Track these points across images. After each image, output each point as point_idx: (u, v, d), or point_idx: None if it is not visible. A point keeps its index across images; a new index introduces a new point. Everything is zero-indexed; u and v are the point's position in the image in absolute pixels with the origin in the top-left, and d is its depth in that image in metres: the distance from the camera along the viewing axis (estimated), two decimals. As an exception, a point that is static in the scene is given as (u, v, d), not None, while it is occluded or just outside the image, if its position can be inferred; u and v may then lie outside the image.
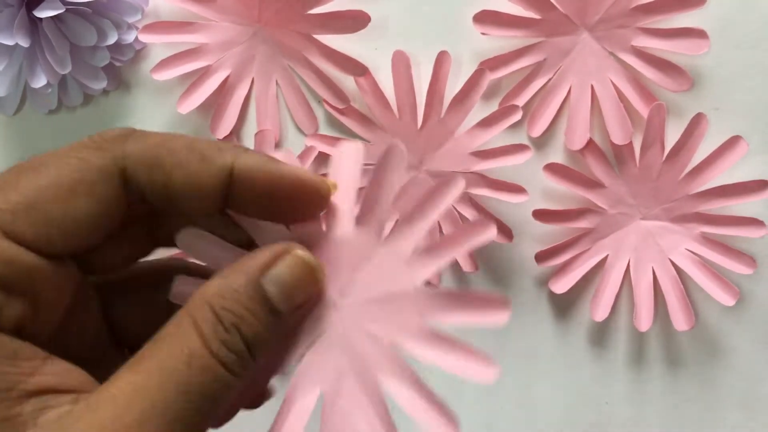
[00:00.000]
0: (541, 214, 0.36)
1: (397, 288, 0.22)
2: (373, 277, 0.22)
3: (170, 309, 0.23)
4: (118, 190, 0.20)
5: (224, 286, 0.20)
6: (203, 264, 0.23)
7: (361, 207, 0.22)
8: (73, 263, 0.21)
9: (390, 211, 0.22)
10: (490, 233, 0.21)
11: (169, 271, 0.24)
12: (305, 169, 0.22)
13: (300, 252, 0.21)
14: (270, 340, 0.21)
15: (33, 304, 0.20)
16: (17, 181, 0.19)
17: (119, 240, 0.22)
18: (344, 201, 0.23)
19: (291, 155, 0.23)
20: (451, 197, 0.21)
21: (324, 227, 0.23)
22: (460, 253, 0.21)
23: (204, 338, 0.19)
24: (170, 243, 0.23)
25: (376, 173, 0.22)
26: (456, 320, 0.21)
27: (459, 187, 0.21)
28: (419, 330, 0.21)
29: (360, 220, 0.22)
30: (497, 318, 0.20)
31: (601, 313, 0.36)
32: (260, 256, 0.21)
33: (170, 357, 0.19)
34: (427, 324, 0.21)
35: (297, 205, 0.22)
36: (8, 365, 0.19)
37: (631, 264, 0.37)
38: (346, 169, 0.23)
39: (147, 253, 0.24)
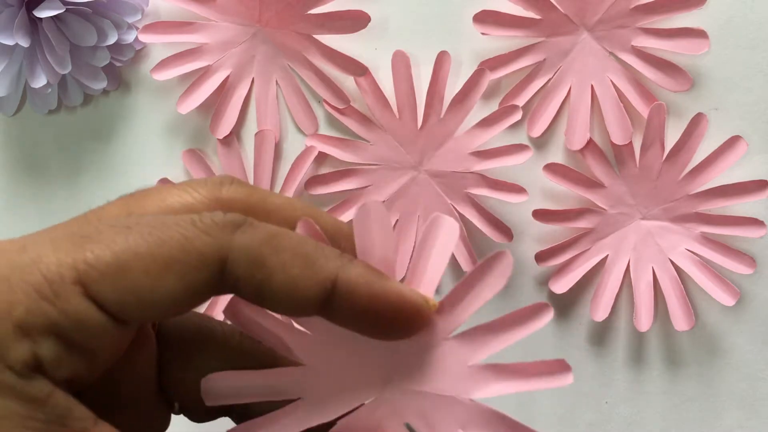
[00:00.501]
0: (541, 214, 0.36)
1: (451, 392, 0.20)
2: (429, 371, 0.21)
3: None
4: (212, 279, 0.19)
5: None
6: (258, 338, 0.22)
7: (446, 296, 0.21)
8: (135, 326, 0.20)
9: (467, 319, 0.21)
10: (547, 317, 0.20)
11: (241, 345, 0.23)
12: (408, 288, 0.21)
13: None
14: None
15: (90, 362, 0.19)
16: (112, 237, 0.18)
17: None
18: (429, 282, 0.21)
19: (382, 212, 0.21)
20: (537, 325, 0.20)
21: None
22: (526, 386, 0.20)
23: None
24: None
25: (477, 272, 0.21)
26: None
27: (547, 319, 0.20)
28: (477, 372, 0.20)
29: (439, 309, 0.21)
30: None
31: (601, 314, 0.36)
32: None
33: None
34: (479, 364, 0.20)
35: (395, 324, 0.21)
36: (58, 424, 0.18)
37: (631, 264, 0.37)
38: (440, 247, 0.21)
39: None
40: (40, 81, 0.36)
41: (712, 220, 0.36)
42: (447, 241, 0.21)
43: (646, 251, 0.37)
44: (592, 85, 0.36)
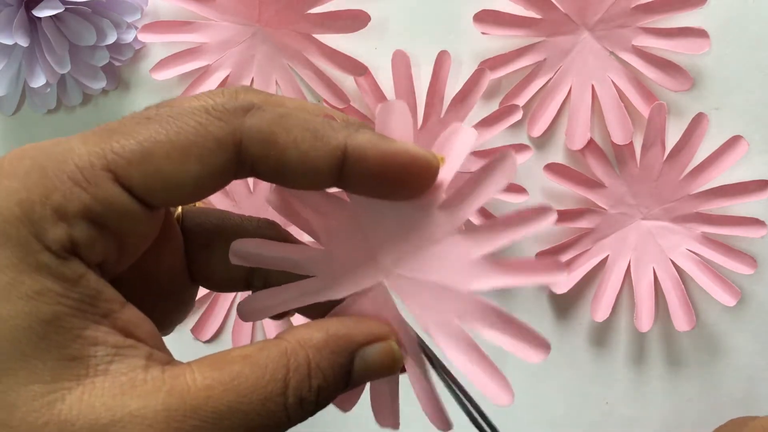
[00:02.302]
0: (541, 214, 0.36)
1: (451, 283, 0.22)
2: (433, 262, 0.22)
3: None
4: (229, 162, 0.21)
5: (326, 345, 0.21)
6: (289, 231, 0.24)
7: (453, 193, 0.22)
8: (162, 212, 0.22)
9: (475, 211, 0.22)
10: (552, 218, 0.20)
11: (263, 232, 0.25)
12: (414, 145, 0.22)
13: (394, 345, 0.22)
14: (328, 401, 0.22)
15: (124, 245, 0.20)
16: (134, 128, 0.20)
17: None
18: (442, 178, 0.22)
19: (405, 110, 0.23)
20: (540, 225, 0.21)
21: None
22: (529, 282, 0.21)
23: (287, 386, 0.20)
24: None
25: (482, 171, 0.22)
26: (491, 338, 0.21)
27: (551, 219, 0.21)
28: (452, 331, 0.21)
29: (445, 203, 0.22)
30: (533, 356, 0.20)
31: (602, 314, 0.36)
32: (363, 329, 0.22)
33: (249, 385, 0.20)
34: (462, 328, 0.21)
35: (407, 181, 0.22)
36: (88, 304, 0.19)
37: (631, 264, 0.37)
38: (456, 150, 0.22)
39: None
40: (39, 80, 0.36)
41: (712, 220, 0.36)
42: (464, 143, 0.22)
43: (646, 251, 0.36)
44: (592, 85, 0.36)
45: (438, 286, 0.22)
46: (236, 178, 0.22)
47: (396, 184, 0.22)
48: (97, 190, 0.19)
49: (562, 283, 0.37)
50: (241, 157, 0.21)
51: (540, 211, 0.21)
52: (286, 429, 0.20)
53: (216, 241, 0.25)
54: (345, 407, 0.25)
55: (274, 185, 0.23)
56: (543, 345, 0.20)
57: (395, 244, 0.22)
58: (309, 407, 0.21)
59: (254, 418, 0.20)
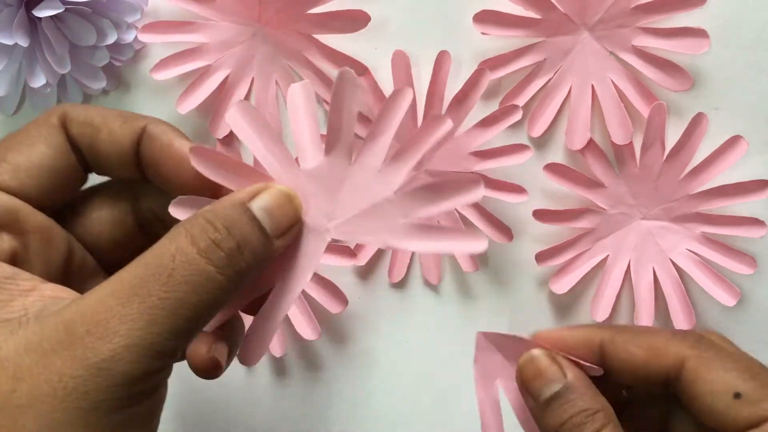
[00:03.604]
0: (541, 214, 0.36)
1: (376, 198, 0.24)
2: (353, 195, 0.24)
3: (138, 225, 0.28)
4: (64, 140, 0.25)
5: (215, 206, 0.23)
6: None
7: (327, 136, 0.25)
8: (51, 215, 0.26)
9: (353, 134, 0.25)
10: (447, 126, 0.23)
11: (120, 194, 0.28)
12: (198, 146, 0.25)
13: (279, 185, 0.24)
14: (261, 252, 0.23)
15: (21, 240, 0.24)
16: None
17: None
18: (307, 135, 0.25)
19: (310, 90, 0.25)
20: (402, 112, 0.24)
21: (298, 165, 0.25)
22: (424, 150, 0.24)
23: (192, 238, 0.22)
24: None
25: (333, 101, 0.24)
26: (435, 211, 0.23)
27: (408, 98, 0.24)
28: (405, 228, 0.24)
29: (328, 148, 0.25)
30: (476, 246, 0.23)
31: (602, 314, 0.36)
32: (244, 190, 0.24)
33: (156, 255, 0.21)
34: (412, 221, 0.24)
35: (185, 176, 0.25)
36: (9, 283, 0.22)
37: (631, 264, 0.37)
38: (301, 106, 0.25)
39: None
40: (39, 80, 0.36)
41: (712, 220, 0.36)
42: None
43: (646, 251, 0.37)
44: (592, 85, 0.36)
45: (371, 208, 0.24)
46: (86, 169, 0.26)
47: (173, 174, 0.25)
48: None
49: (563, 284, 0.36)
50: (69, 139, 0.26)
51: (469, 183, 0.23)
52: (224, 280, 0.22)
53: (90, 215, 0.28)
54: (249, 361, 0.25)
55: (177, 198, 0.25)
56: (480, 236, 0.23)
57: (318, 208, 0.25)
58: (228, 244, 0.22)
59: (173, 275, 0.21)
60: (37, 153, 0.25)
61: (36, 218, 0.25)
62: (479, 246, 0.23)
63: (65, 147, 0.25)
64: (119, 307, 0.20)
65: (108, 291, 0.21)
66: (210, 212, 0.22)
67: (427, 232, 0.23)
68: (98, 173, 0.27)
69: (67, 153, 0.26)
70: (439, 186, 0.23)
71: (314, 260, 0.25)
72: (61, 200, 0.26)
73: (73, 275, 0.26)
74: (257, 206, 0.23)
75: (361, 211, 0.24)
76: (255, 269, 0.23)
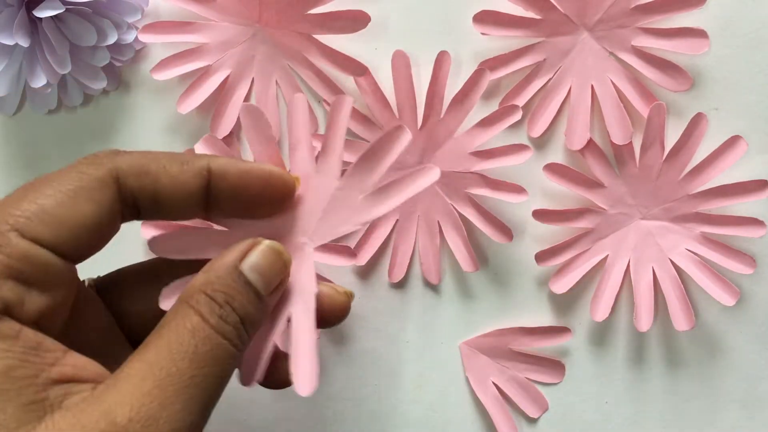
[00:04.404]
0: (541, 214, 0.36)
1: (329, 195, 0.26)
2: (334, 219, 0.26)
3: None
4: (113, 196, 0.23)
5: (210, 275, 0.24)
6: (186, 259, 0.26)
7: (319, 156, 0.26)
8: (74, 266, 0.24)
9: (341, 157, 0.26)
10: (434, 175, 0.25)
11: (158, 268, 0.28)
12: (270, 165, 0.26)
13: (268, 242, 0.25)
14: (259, 318, 0.24)
15: (50, 300, 0.22)
16: (25, 194, 0.22)
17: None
18: (303, 151, 0.27)
19: (263, 117, 0.27)
20: (400, 146, 0.25)
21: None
22: (408, 195, 0.25)
23: (202, 315, 0.23)
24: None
25: (328, 124, 0.26)
26: (393, 204, 0.25)
27: (407, 137, 0.25)
28: (368, 201, 0.26)
29: (319, 168, 0.26)
30: (429, 178, 0.25)
31: (601, 314, 0.36)
32: (235, 249, 0.24)
33: (175, 334, 0.22)
34: (369, 192, 0.26)
35: (267, 197, 0.26)
36: (33, 355, 0.21)
37: (631, 264, 0.37)
38: (299, 121, 0.27)
39: None
40: (39, 81, 0.36)
41: (712, 220, 0.36)
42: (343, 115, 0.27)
43: (646, 251, 0.37)
44: (592, 85, 0.36)
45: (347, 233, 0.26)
46: (124, 219, 0.24)
47: (257, 199, 0.25)
48: (10, 249, 0.21)
49: (562, 284, 0.36)
50: (123, 191, 0.24)
51: (424, 172, 0.25)
52: (234, 350, 0.23)
53: (133, 290, 0.28)
54: (248, 381, 0.27)
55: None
56: (432, 168, 0.25)
57: (302, 227, 0.26)
58: (232, 318, 0.23)
59: (197, 351, 0.22)
60: (81, 209, 0.23)
61: (70, 277, 0.23)
62: (434, 175, 0.25)
63: (113, 204, 0.23)
64: (156, 391, 0.21)
65: (140, 375, 0.21)
66: (208, 285, 0.23)
67: (387, 190, 0.25)
68: (151, 219, 0.25)
69: (115, 210, 0.24)
70: (393, 185, 0.25)
71: (309, 273, 0.26)
72: (91, 254, 0.24)
73: (95, 341, 0.26)
74: (249, 268, 0.24)
75: (323, 212, 0.26)
76: (255, 333, 0.25)
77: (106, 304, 0.27)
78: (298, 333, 0.25)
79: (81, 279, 0.26)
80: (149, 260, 0.28)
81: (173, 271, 0.26)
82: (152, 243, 0.25)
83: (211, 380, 0.22)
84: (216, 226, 0.27)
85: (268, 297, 0.24)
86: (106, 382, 0.21)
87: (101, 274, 0.28)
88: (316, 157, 0.27)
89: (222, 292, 0.23)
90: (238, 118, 0.38)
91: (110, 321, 0.27)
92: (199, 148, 0.28)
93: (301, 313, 0.25)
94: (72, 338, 0.23)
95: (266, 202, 0.26)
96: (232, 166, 0.25)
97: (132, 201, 0.24)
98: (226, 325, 0.23)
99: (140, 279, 0.28)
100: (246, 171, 0.25)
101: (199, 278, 0.24)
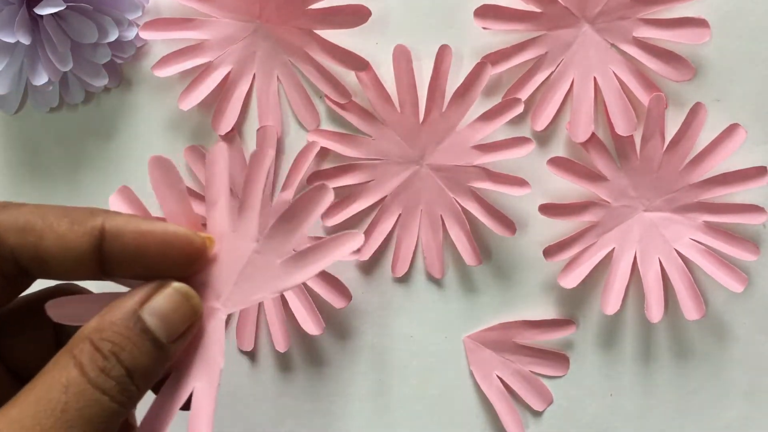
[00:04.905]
0: (546, 209, 0.36)
1: (245, 257, 0.25)
2: (250, 285, 0.24)
3: (58, 340, 0.25)
4: None
5: (102, 321, 0.21)
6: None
7: (238, 213, 0.25)
8: None
9: (259, 215, 0.25)
10: (357, 242, 0.24)
11: (49, 298, 0.25)
12: (176, 225, 0.23)
13: (176, 284, 0.23)
14: (154, 369, 0.22)
15: None
16: None
17: None
18: (222, 209, 0.25)
19: (171, 166, 0.25)
20: (322, 207, 0.24)
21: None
22: (328, 263, 0.24)
23: (82, 368, 0.20)
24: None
25: (246, 179, 0.25)
26: (312, 271, 0.24)
27: (329, 198, 0.24)
28: (286, 265, 0.24)
29: (236, 227, 0.25)
30: (351, 245, 0.24)
31: (612, 307, 0.36)
32: (138, 292, 0.22)
33: (47, 388, 0.20)
34: (288, 255, 0.24)
35: (171, 259, 0.23)
36: None
37: (637, 256, 0.37)
38: (218, 174, 0.25)
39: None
40: (41, 79, 0.36)
41: (713, 208, 0.36)
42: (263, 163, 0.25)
43: (651, 243, 0.36)
44: (594, 78, 0.36)
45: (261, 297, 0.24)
46: (11, 280, 0.23)
47: (158, 261, 0.23)
48: None
49: (571, 278, 0.36)
50: (2, 248, 0.21)
51: (345, 239, 0.24)
52: (118, 408, 0.21)
53: (23, 327, 0.25)
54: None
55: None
56: (355, 234, 0.24)
57: (216, 291, 0.25)
58: (117, 372, 0.21)
59: (68, 410, 0.20)
60: None
61: None
62: (357, 242, 0.24)
63: None
64: None
65: None
66: (97, 332, 0.21)
67: (306, 256, 0.24)
68: (43, 278, 0.23)
69: None
70: (313, 250, 0.24)
71: (218, 344, 0.24)
72: None
73: None
74: (149, 313, 0.22)
75: (238, 275, 0.24)
76: (151, 385, 0.22)
77: None
78: (198, 410, 0.23)
79: None
80: (43, 290, 0.26)
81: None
82: (50, 307, 0.23)
83: None
84: (121, 288, 0.25)
85: (170, 345, 0.22)
86: None
87: None
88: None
89: (110, 342, 0.21)
90: (241, 114, 0.38)
91: None
92: (113, 200, 0.26)
93: (203, 389, 0.24)
94: None
95: (170, 265, 0.23)
96: (129, 226, 0.22)
97: (12, 258, 0.22)
98: (108, 380, 0.20)
99: (28, 313, 0.26)
100: (144, 232, 0.22)
101: (91, 323, 0.22)
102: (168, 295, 0.23)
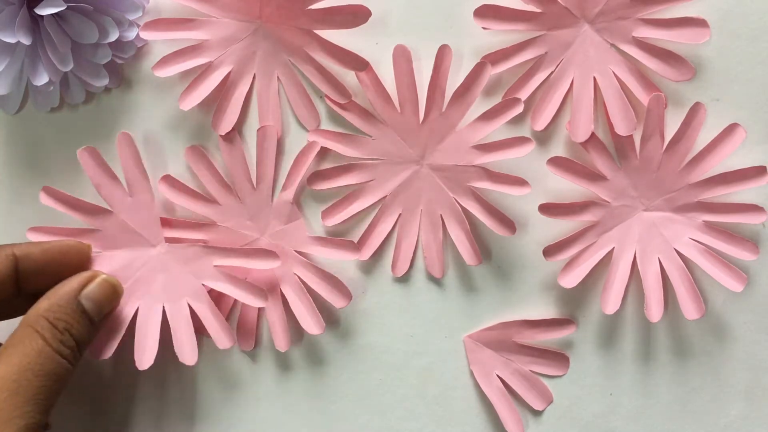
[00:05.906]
0: (546, 208, 0.36)
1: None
2: (172, 287, 0.35)
3: None
4: None
5: (53, 303, 0.31)
6: None
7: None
8: None
9: (160, 232, 0.36)
10: (274, 262, 0.35)
11: None
12: (67, 239, 0.34)
13: (105, 275, 0.33)
14: (90, 339, 0.32)
15: None
16: None
17: None
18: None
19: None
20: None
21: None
22: (241, 265, 0.35)
23: (46, 340, 0.30)
24: None
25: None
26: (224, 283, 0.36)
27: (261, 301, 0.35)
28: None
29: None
30: (256, 302, 0.36)
31: (612, 306, 0.36)
32: (76, 279, 0.32)
33: (24, 354, 0.29)
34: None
35: (70, 263, 0.33)
36: None
37: (637, 255, 0.37)
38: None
39: None
40: (42, 79, 0.36)
41: (713, 208, 0.36)
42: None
43: (651, 242, 0.37)
44: (594, 77, 0.36)
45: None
46: None
47: (60, 268, 0.33)
48: None
49: (571, 278, 0.36)
50: None
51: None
52: (71, 368, 0.31)
53: None
54: (101, 356, 0.35)
55: None
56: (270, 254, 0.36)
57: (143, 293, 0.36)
58: (71, 344, 0.30)
59: (43, 370, 0.29)
60: None
61: None
62: (274, 263, 0.34)
63: None
64: (11, 398, 0.28)
65: None
66: (50, 312, 0.31)
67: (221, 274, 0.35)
68: None
69: None
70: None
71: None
72: None
73: None
74: (86, 298, 0.32)
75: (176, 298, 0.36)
76: (86, 349, 0.32)
77: None
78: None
79: None
80: None
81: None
82: None
83: (53, 389, 0.29)
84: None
85: (99, 322, 0.32)
86: None
87: None
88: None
89: (63, 321, 0.30)
90: (241, 114, 0.38)
91: None
92: (30, 234, 0.35)
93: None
94: None
95: (70, 270, 0.33)
96: (33, 247, 0.32)
97: None
98: (66, 349, 0.30)
99: None
100: (47, 248, 0.33)
101: (42, 303, 0.31)
102: (99, 284, 0.32)
